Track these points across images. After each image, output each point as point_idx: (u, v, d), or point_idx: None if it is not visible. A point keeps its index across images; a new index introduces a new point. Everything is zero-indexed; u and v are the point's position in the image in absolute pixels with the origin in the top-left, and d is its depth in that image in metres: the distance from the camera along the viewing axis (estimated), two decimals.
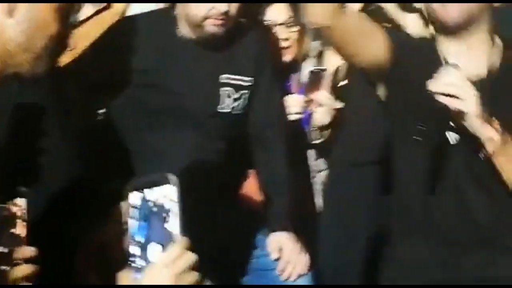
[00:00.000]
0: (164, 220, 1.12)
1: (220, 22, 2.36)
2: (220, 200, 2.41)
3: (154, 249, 1.13)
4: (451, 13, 2.00)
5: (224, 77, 2.47)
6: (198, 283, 1.16)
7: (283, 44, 2.82)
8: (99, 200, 1.90)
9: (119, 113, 2.44)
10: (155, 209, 1.14)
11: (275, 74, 2.61)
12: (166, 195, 1.13)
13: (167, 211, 1.13)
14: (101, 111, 2.39)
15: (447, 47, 2.02)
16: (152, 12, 2.65)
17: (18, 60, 1.21)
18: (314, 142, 2.72)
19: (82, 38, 2.41)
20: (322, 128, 2.66)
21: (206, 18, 2.36)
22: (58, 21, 1.28)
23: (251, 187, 2.60)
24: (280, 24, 2.73)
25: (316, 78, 2.65)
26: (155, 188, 1.14)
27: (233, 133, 2.47)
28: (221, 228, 2.33)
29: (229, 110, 2.46)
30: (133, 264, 1.15)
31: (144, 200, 1.15)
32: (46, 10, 1.29)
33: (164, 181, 1.13)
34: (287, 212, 2.47)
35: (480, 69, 2.02)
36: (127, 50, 2.37)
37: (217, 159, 2.39)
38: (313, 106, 2.67)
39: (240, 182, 2.57)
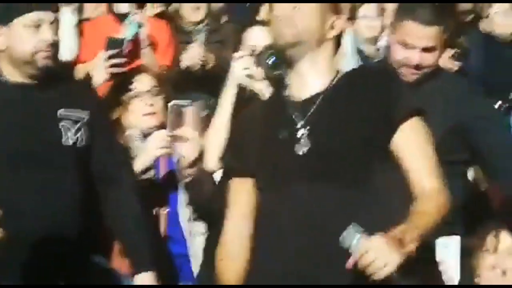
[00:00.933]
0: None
1: (49, 53, 2.55)
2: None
3: None
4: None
5: (61, 112, 2.64)
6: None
7: (148, 110, 3.12)
8: None
9: None
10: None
11: None
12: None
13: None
14: None
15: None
16: None
17: None
18: (183, 181, 2.80)
19: None
20: (189, 165, 2.74)
21: (35, 52, 2.53)
22: None
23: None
24: (146, 91, 3.05)
25: (178, 113, 2.78)
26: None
27: (81, 169, 2.61)
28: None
29: (71, 144, 2.62)
30: None
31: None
32: None
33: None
34: (148, 251, 2.59)
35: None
36: None
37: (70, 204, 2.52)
38: (177, 141, 2.79)
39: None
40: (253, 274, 2.29)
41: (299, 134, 2.24)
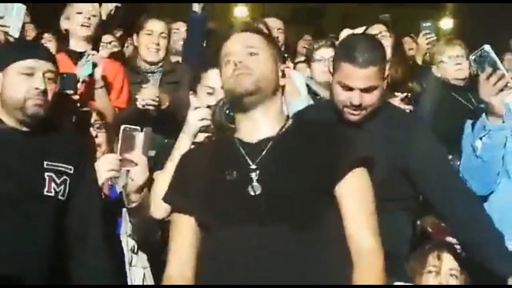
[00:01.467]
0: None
1: (40, 101, 2.59)
2: None
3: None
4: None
5: (48, 162, 2.66)
6: None
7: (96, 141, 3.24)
8: None
9: None
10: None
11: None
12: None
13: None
14: None
15: None
16: None
17: None
18: (128, 207, 2.79)
19: None
20: (137, 189, 2.75)
21: (26, 99, 2.58)
22: None
23: None
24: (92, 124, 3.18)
25: (129, 137, 2.81)
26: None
27: (57, 221, 2.59)
28: None
29: (53, 195, 2.61)
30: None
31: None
32: None
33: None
34: None
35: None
36: None
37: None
38: (126, 165, 2.80)
39: None
40: None
41: (252, 175, 2.27)
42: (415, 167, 2.94)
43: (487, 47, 3.39)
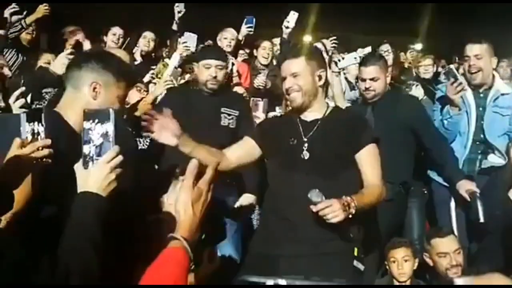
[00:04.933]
0: (107, 138, 1.68)
1: (213, 82, 3.82)
2: None
3: (100, 155, 1.69)
4: None
5: (222, 109, 3.87)
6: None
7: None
8: None
9: None
10: (101, 130, 1.66)
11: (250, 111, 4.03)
12: (107, 122, 1.65)
13: (109, 132, 1.66)
14: None
15: None
16: (182, 84, 4.34)
17: None
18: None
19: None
20: None
21: (207, 81, 3.83)
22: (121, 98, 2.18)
23: None
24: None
25: None
26: (101, 116, 1.65)
27: (230, 139, 3.26)
28: None
29: (226, 125, 3.81)
30: (88, 164, 1.70)
31: (96, 124, 1.64)
32: (115, 94, 2.16)
33: (106, 112, 1.66)
34: None
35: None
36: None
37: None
38: None
39: None
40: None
41: (305, 145, 2.80)
42: (417, 126, 3.92)
43: (452, 66, 4.44)
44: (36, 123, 1.92)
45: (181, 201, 1.56)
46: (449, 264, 3.43)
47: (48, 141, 1.93)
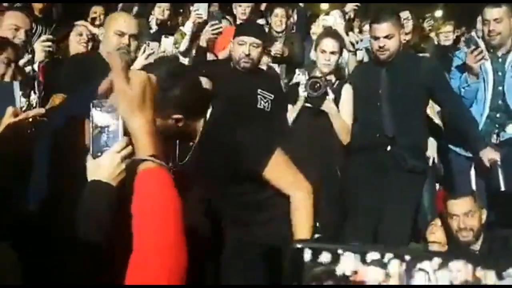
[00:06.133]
0: (116, 128, 1.66)
1: (246, 60, 3.76)
2: None
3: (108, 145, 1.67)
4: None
5: (259, 91, 3.82)
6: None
7: None
8: None
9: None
10: (110, 120, 1.65)
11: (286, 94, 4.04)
12: (116, 117, 1.63)
13: (118, 122, 1.65)
14: None
15: None
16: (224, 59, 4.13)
17: None
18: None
19: None
20: None
21: (239, 59, 3.76)
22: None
23: None
24: None
25: None
26: (109, 106, 1.63)
27: (268, 121, 3.53)
28: None
29: (262, 108, 3.78)
30: (97, 154, 1.70)
31: (104, 114, 1.63)
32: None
33: (115, 108, 1.61)
34: None
35: None
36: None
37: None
38: None
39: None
40: None
41: None
42: (437, 90, 3.90)
43: (473, 33, 4.57)
44: (29, 90, 1.90)
45: (122, 108, 1.38)
46: (458, 226, 3.48)
47: (42, 110, 1.92)
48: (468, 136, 4.02)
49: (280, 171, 2.44)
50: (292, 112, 4.04)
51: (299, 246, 0.65)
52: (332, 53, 4.15)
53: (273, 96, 3.93)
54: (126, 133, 1.64)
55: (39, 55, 3.26)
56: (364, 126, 3.94)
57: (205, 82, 2.74)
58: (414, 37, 5.53)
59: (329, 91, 3.95)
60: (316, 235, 2.44)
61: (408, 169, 3.80)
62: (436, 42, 6.05)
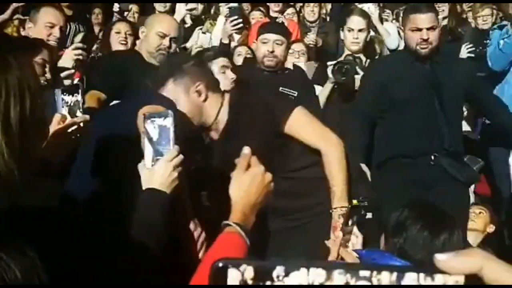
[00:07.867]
0: (167, 138, 1.78)
1: (270, 58, 3.73)
2: None
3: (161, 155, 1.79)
4: None
5: (281, 88, 3.73)
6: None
7: None
8: None
9: None
10: (162, 131, 1.75)
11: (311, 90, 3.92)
12: (167, 123, 1.75)
13: (169, 133, 1.76)
14: None
15: None
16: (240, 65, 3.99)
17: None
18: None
19: None
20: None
21: (264, 57, 3.74)
22: None
23: None
24: None
25: None
26: (161, 118, 1.74)
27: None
28: None
29: None
30: (150, 164, 1.80)
31: (156, 125, 1.74)
32: None
33: (166, 114, 1.76)
34: None
35: None
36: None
37: None
38: None
39: None
40: None
41: None
42: (476, 90, 3.64)
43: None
44: (71, 96, 2.03)
45: (233, 185, 1.53)
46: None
47: (87, 117, 2.05)
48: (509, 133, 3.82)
49: (304, 125, 2.57)
50: (321, 97, 3.99)
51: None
52: (360, 30, 4.08)
53: (296, 93, 3.83)
54: (177, 141, 1.79)
55: (69, 63, 3.20)
56: (416, 134, 3.53)
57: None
58: (451, 21, 5.54)
59: (358, 70, 3.87)
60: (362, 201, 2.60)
61: (464, 181, 3.49)
62: (473, 26, 5.83)
